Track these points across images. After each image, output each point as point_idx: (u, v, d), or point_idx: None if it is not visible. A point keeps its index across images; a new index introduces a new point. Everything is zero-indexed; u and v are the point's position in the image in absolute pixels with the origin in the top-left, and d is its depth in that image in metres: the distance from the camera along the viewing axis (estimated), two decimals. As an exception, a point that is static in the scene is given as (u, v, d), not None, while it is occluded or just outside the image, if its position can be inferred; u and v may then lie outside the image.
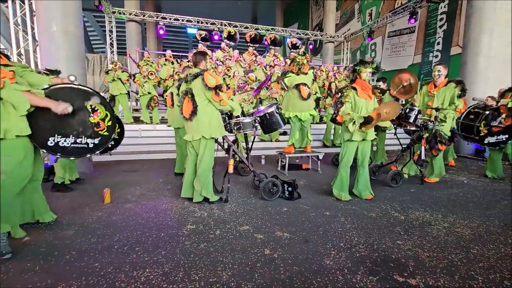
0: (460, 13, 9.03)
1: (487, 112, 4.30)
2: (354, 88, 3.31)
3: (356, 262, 2.07)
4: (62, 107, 2.48)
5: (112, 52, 10.40)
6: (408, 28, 11.15)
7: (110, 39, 10.29)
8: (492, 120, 4.22)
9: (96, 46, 22.78)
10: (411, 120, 3.98)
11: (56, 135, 3.01)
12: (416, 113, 3.97)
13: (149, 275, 1.89)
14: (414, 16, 9.38)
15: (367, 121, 3.17)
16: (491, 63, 7.13)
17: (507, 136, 4.29)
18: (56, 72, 3.80)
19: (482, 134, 4.27)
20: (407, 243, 2.37)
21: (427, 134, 4.12)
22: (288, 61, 8.31)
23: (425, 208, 3.21)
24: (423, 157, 4.22)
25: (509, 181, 4.44)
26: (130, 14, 10.36)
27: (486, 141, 4.32)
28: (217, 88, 3.00)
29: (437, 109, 3.98)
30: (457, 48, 8.94)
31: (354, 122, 3.21)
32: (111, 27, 10.23)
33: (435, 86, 4.17)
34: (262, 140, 7.31)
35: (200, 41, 9.86)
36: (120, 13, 10.20)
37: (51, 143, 3.02)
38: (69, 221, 2.77)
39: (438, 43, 10.00)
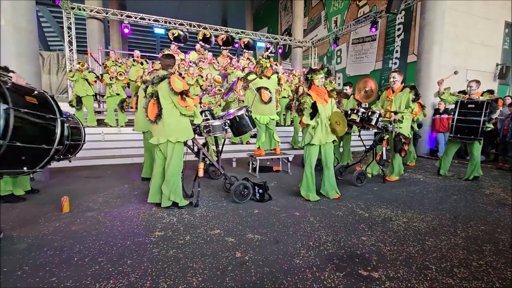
0: (414, 24, 9.84)
1: (489, 109, 4.29)
2: (310, 95, 3.47)
3: (324, 259, 2.14)
4: None
5: (71, 50, 9.71)
6: (370, 36, 11.89)
7: (69, 36, 9.61)
8: (492, 112, 4.41)
9: (53, 43, 21.12)
10: (373, 123, 4.24)
11: None
12: (377, 116, 4.24)
13: (114, 287, 1.79)
14: (375, 25, 10.05)
15: (313, 108, 3.37)
16: (441, 71, 7.85)
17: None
18: (6, 71, 3.43)
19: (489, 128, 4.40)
20: (370, 238, 2.51)
21: (387, 136, 4.41)
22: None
23: (387, 205, 3.43)
24: (384, 157, 4.52)
25: (458, 177, 4.90)
26: (91, 11, 9.76)
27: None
28: (184, 94, 2.94)
29: (395, 113, 4.29)
30: (413, 56, 9.71)
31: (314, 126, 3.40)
32: (70, 23, 9.56)
33: (393, 92, 4.50)
34: (233, 143, 7.29)
35: (173, 42, 9.50)
36: (80, 9, 9.58)
37: None
38: (20, 234, 2.52)
39: (397, 51, 10.79)
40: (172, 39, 9.50)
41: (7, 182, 3.41)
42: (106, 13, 9.95)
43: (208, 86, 7.23)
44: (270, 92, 4.97)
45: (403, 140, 4.25)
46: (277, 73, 5.31)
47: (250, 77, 4.85)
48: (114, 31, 15.17)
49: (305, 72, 3.56)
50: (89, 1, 10.55)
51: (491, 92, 4.72)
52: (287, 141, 7.83)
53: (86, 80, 6.91)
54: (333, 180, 3.70)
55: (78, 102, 6.90)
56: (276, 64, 8.57)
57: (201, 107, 3.92)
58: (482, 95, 4.69)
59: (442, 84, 4.81)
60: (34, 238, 2.46)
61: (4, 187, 3.38)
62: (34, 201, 3.44)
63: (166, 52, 7.72)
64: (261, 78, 4.87)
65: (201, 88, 7.69)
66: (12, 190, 3.44)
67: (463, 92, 4.90)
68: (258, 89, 4.86)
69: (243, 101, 7.46)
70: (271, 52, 5.55)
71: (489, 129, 4.57)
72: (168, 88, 2.90)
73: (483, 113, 4.36)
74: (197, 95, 7.17)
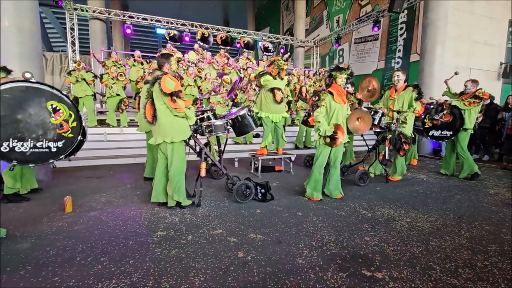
0: (417, 23, 9.77)
1: (431, 106, 4.64)
2: (331, 93, 3.43)
3: (327, 260, 2.13)
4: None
5: (74, 51, 9.75)
6: (372, 35, 11.83)
7: (72, 37, 9.65)
8: (435, 113, 4.57)
9: (56, 44, 21.24)
10: (376, 122, 4.21)
11: (10, 139, 2.76)
12: (380, 115, 4.22)
13: (116, 286, 1.79)
14: (378, 25, 9.99)
15: (331, 137, 3.31)
16: (444, 70, 7.80)
17: (451, 132, 4.68)
18: (6, 70, 3.45)
19: (426, 126, 4.60)
20: (374, 238, 2.49)
21: (390, 135, 4.38)
22: (265, 63, 8.42)
23: (390, 205, 3.40)
24: (387, 157, 4.48)
25: (462, 177, 4.86)
26: (94, 11, 9.80)
27: (430, 134, 4.67)
28: (174, 95, 2.89)
29: (398, 112, 4.27)
30: (416, 56, 9.64)
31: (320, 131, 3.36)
32: (73, 24, 9.60)
33: (396, 91, 4.48)
34: (236, 143, 7.29)
35: (168, 41, 9.59)
36: (82, 10, 9.61)
37: (5, 148, 2.78)
38: (23, 234, 2.53)
39: (399, 51, 10.72)
40: (168, 38, 9.65)
41: (17, 180, 3.43)
42: (109, 14, 9.98)
43: (216, 85, 7.22)
44: (282, 93, 5.05)
45: (403, 139, 4.24)
46: (288, 74, 5.38)
47: (264, 78, 4.88)
48: (116, 32, 15.22)
49: (330, 69, 3.54)
50: (92, 2, 10.61)
51: (475, 94, 4.74)
52: (290, 141, 7.81)
53: (84, 79, 6.91)
54: (339, 180, 3.68)
55: (75, 102, 6.90)
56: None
57: (203, 107, 3.92)
58: (474, 94, 4.70)
59: (448, 83, 5.09)
60: (37, 237, 2.47)
61: (13, 184, 3.39)
62: (37, 201, 3.45)
63: (163, 51, 7.74)
64: (275, 78, 4.92)
65: (199, 88, 7.68)
66: (19, 188, 3.47)
67: (462, 93, 4.92)
68: (272, 90, 4.92)
69: (253, 101, 7.49)
70: (271, 52, 5.61)
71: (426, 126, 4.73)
72: (159, 88, 2.88)
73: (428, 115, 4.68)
74: (195, 96, 7.16)
